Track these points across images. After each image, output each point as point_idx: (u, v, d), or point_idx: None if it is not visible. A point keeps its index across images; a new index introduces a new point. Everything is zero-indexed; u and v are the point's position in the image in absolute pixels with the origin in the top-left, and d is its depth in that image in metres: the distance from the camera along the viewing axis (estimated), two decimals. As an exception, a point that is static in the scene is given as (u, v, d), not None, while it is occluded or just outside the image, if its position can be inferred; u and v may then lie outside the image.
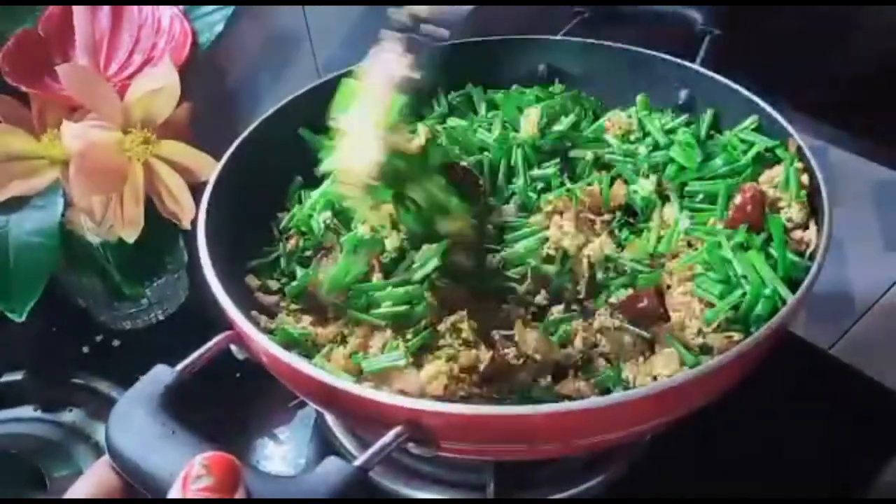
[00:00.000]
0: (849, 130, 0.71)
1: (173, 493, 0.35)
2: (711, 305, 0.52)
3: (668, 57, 0.69)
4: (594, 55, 0.72)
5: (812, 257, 0.52)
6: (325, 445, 0.66)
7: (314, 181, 0.69)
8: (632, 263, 0.57)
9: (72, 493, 0.40)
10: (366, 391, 0.43)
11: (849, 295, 0.77)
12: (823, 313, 0.78)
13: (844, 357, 0.75)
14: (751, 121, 0.63)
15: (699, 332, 0.52)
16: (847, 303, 0.78)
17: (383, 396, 0.43)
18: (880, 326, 0.76)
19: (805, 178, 0.57)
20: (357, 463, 0.40)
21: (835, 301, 0.78)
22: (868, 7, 0.71)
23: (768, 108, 0.62)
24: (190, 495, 0.34)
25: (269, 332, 0.54)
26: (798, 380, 0.70)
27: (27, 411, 0.71)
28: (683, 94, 0.68)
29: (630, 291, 0.55)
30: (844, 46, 0.71)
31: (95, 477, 0.40)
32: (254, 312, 0.57)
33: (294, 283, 0.58)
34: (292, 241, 0.63)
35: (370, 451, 0.41)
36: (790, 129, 0.60)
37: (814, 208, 0.56)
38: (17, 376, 0.73)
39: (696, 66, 0.67)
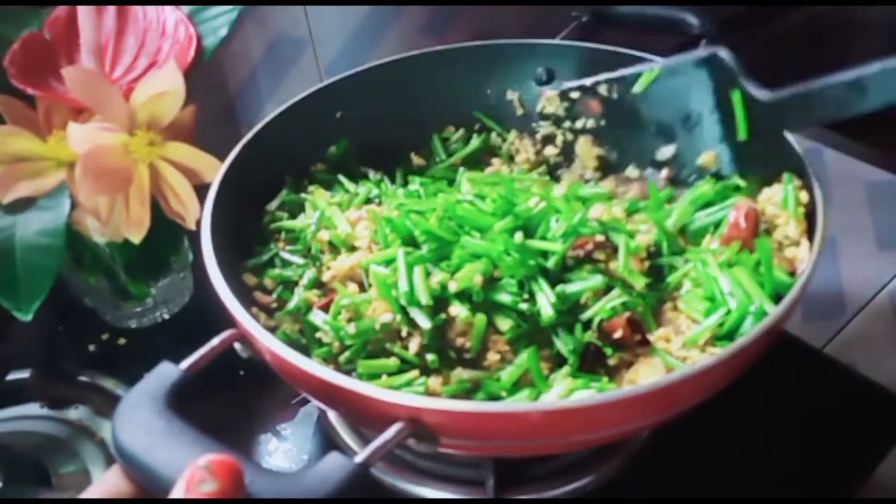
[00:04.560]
0: (843, 132, 0.71)
1: (175, 495, 0.35)
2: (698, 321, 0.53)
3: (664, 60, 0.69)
4: (592, 59, 0.72)
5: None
6: (328, 441, 0.67)
7: (313, 181, 0.70)
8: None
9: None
10: (367, 389, 0.44)
11: (842, 294, 0.78)
12: (817, 312, 0.79)
13: (838, 356, 0.76)
14: None
15: (684, 346, 0.52)
16: (840, 302, 0.78)
17: (385, 394, 0.43)
18: (874, 325, 0.77)
19: (804, 195, 0.57)
20: (358, 459, 0.40)
21: (828, 300, 0.78)
22: (864, 9, 0.72)
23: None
24: (193, 497, 0.34)
25: (270, 329, 0.54)
26: (792, 378, 0.70)
27: (34, 409, 0.72)
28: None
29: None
30: (839, 49, 0.72)
31: (106, 483, 0.41)
32: (254, 310, 0.57)
33: (289, 307, 0.59)
34: (280, 244, 0.64)
35: (371, 447, 0.41)
36: (787, 132, 0.60)
37: (811, 224, 0.56)
38: (24, 374, 0.74)
39: (691, 70, 0.67)
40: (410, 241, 0.57)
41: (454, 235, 0.56)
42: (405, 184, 0.69)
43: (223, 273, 0.52)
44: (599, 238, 0.55)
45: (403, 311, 0.53)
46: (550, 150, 0.73)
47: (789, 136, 0.59)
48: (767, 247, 0.53)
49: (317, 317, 0.56)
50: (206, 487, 0.34)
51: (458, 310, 0.52)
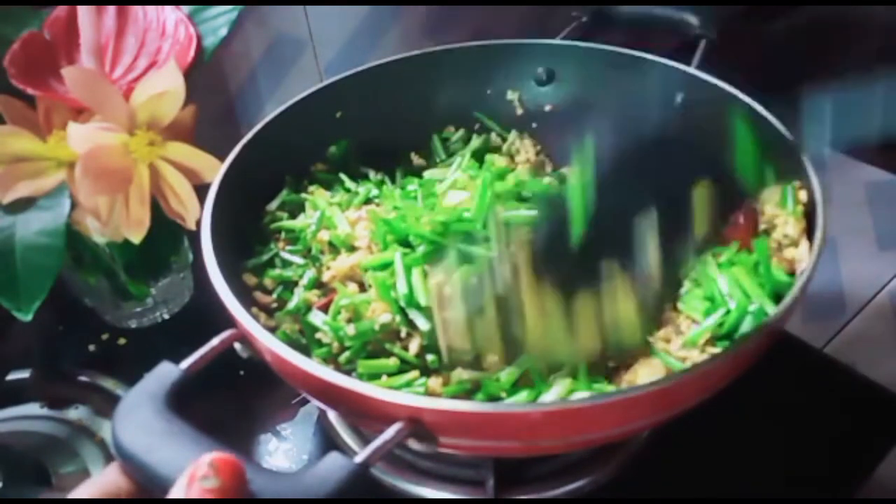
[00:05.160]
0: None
1: (177, 490, 0.35)
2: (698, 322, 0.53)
3: (664, 60, 0.69)
4: (592, 58, 0.72)
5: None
6: (328, 441, 0.67)
7: (313, 181, 0.70)
8: None
9: (79, 493, 0.40)
10: (367, 389, 0.44)
11: (842, 294, 0.78)
12: (817, 313, 0.79)
13: (838, 356, 0.75)
14: None
15: (683, 346, 0.52)
16: (840, 302, 0.78)
17: (384, 394, 0.43)
18: (873, 325, 0.77)
19: (803, 195, 0.57)
20: (358, 459, 0.40)
21: (828, 300, 0.78)
22: (865, 8, 0.72)
23: (764, 112, 0.62)
24: (194, 494, 0.35)
25: (270, 329, 0.54)
26: (792, 378, 0.70)
27: (34, 409, 0.72)
28: (679, 97, 0.68)
29: None
30: (839, 49, 0.72)
31: (105, 479, 0.41)
32: (254, 310, 0.58)
33: (289, 307, 0.59)
34: (280, 244, 0.65)
35: (371, 447, 0.41)
36: (787, 133, 0.60)
37: (810, 223, 0.56)
38: (24, 374, 0.74)
39: (691, 70, 0.67)
40: (407, 243, 0.58)
41: (447, 239, 0.57)
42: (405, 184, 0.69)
43: (223, 273, 0.52)
44: None
45: (403, 312, 0.53)
46: None
47: (788, 135, 0.59)
48: (765, 247, 0.53)
49: (316, 317, 0.57)
50: (209, 483, 0.35)
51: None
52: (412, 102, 0.73)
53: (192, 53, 0.66)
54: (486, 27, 0.83)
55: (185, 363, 0.46)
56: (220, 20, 0.68)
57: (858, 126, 0.54)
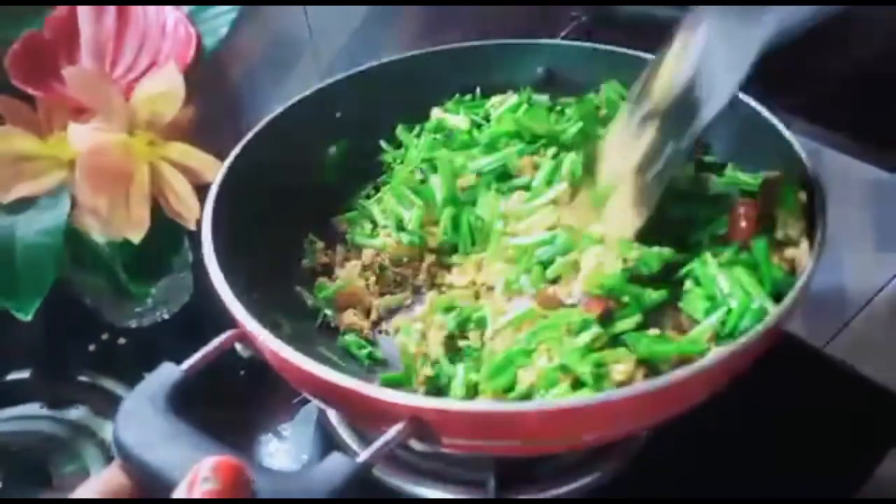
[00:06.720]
0: (842, 132, 0.71)
1: (179, 492, 0.36)
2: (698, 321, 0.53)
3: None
4: (592, 58, 0.72)
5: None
6: (328, 441, 0.67)
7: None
8: None
9: (80, 492, 0.40)
10: (370, 389, 0.44)
11: (842, 294, 0.78)
12: (817, 312, 0.79)
13: (838, 356, 0.75)
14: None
15: None
16: (840, 302, 0.78)
17: (387, 394, 0.43)
18: (873, 325, 0.77)
19: (803, 195, 0.57)
20: (361, 459, 0.40)
21: (828, 300, 0.78)
22: (864, 8, 0.72)
23: (763, 112, 0.62)
24: (195, 496, 0.35)
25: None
26: (792, 378, 0.70)
27: (34, 409, 0.72)
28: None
29: None
30: (839, 48, 0.72)
31: (106, 478, 0.41)
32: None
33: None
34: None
35: (374, 447, 0.41)
36: (787, 133, 0.60)
37: (811, 223, 0.55)
38: (24, 374, 0.74)
39: (692, 70, 0.67)
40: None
41: None
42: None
43: (224, 273, 0.52)
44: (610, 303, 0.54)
45: None
46: None
47: (789, 136, 0.59)
48: (764, 246, 0.53)
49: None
50: (208, 486, 0.35)
51: None
52: (412, 103, 0.73)
53: (191, 53, 0.66)
54: (486, 27, 0.83)
55: (186, 364, 0.46)
56: (219, 20, 0.68)
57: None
